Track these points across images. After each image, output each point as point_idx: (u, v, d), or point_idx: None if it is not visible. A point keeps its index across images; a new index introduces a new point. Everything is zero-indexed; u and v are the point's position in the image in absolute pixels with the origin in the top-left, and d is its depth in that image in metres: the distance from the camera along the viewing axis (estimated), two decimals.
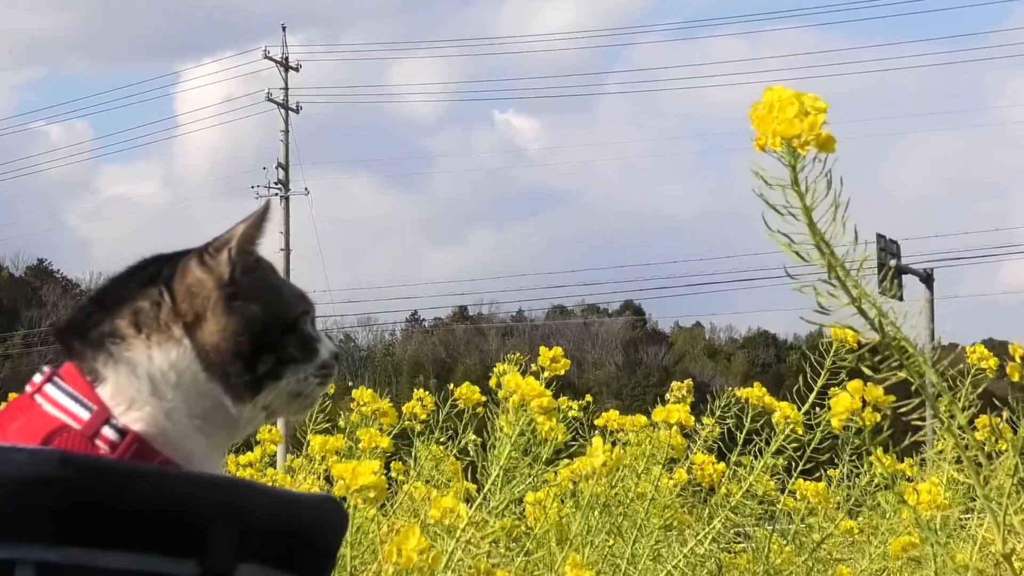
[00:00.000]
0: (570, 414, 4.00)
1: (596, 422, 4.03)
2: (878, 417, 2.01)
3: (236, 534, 1.19)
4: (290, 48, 35.09)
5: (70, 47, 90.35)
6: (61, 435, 1.25)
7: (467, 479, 4.17)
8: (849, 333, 3.52)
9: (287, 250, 31.34)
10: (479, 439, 4.25)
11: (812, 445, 3.58)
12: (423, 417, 4.22)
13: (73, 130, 72.40)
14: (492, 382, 4.03)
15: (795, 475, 3.70)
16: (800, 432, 3.54)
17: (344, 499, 2.32)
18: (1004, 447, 2.01)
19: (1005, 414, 2.26)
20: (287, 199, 32.74)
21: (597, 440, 3.22)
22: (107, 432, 1.26)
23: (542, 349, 3.49)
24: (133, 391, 1.28)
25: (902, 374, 1.59)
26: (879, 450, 3.68)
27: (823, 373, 3.54)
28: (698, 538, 3.45)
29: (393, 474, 4.27)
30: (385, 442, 3.45)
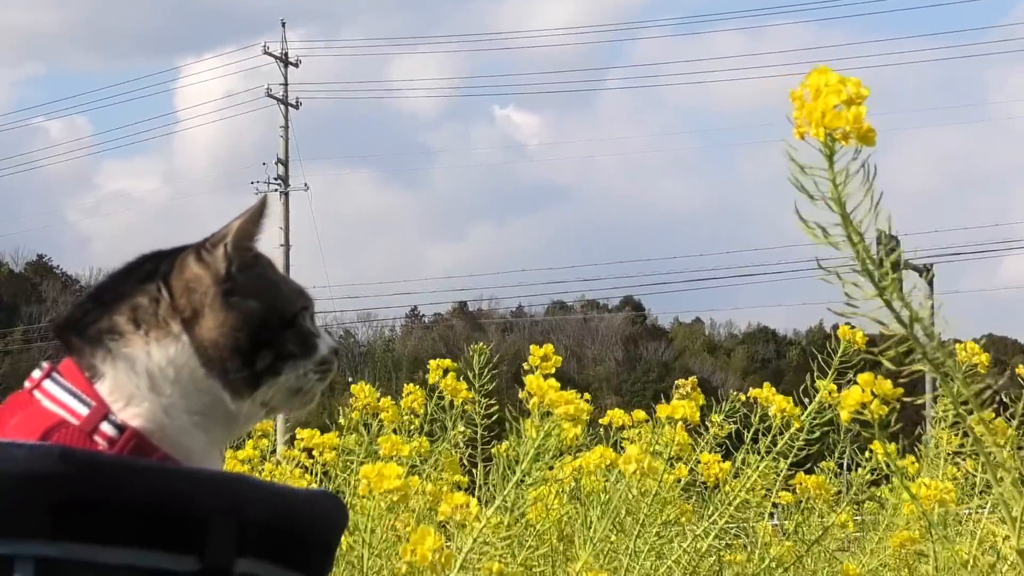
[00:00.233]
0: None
1: (600, 421, 4.03)
2: (886, 410, 2.02)
3: (235, 529, 1.19)
4: (290, 44, 35.11)
5: (70, 43, 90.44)
6: (60, 431, 1.25)
7: (463, 474, 4.18)
8: (858, 333, 3.52)
9: (287, 246, 31.34)
10: (467, 431, 4.27)
11: (811, 438, 3.58)
12: (420, 411, 4.22)
13: (73, 126, 72.49)
14: (431, 378, 4.10)
15: (784, 467, 3.70)
16: (798, 426, 3.53)
17: (339, 492, 2.33)
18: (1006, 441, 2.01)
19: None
20: (287, 195, 32.74)
21: (632, 449, 3.21)
22: (105, 428, 1.26)
23: (532, 348, 3.48)
24: (132, 387, 1.28)
25: (921, 367, 1.58)
26: (879, 444, 3.69)
27: (831, 372, 3.54)
28: (697, 534, 3.45)
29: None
30: (406, 450, 3.45)
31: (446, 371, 4.12)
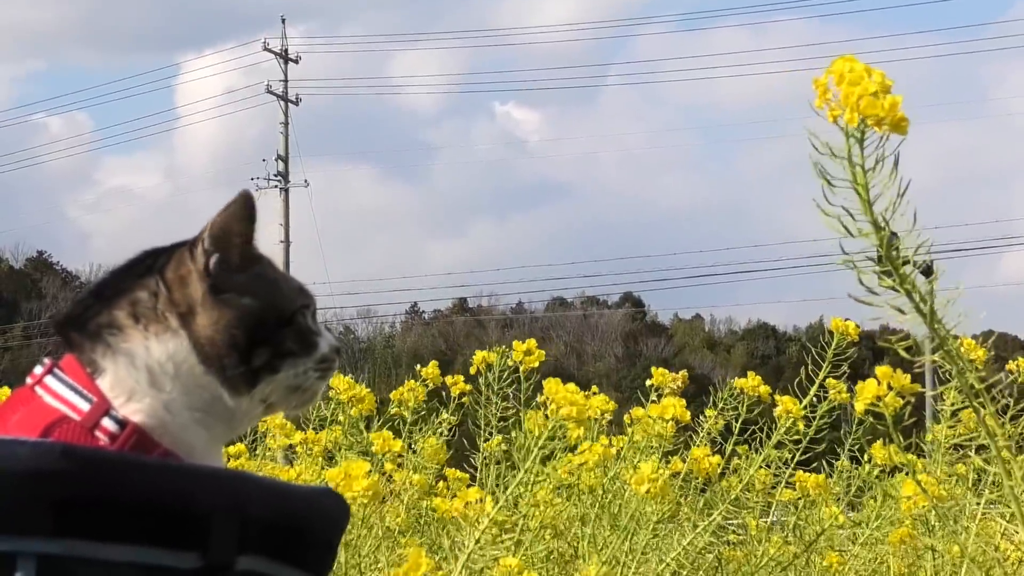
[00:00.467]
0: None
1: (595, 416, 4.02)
2: (900, 402, 2.03)
3: (237, 526, 1.19)
4: (290, 40, 35.12)
5: (71, 39, 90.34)
6: (61, 426, 1.25)
7: (458, 468, 4.17)
8: (851, 326, 3.53)
9: (287, 242, 31.35)
10: (455, 419, 4.26)
11: (809, 432, 3.58)
12: (413, 405, 4.21)
13: (74, 122, 72.45)
14: (472, 370, 4.05)
15: (792, 465, 3.70)
16: (801, 427, 3.54)
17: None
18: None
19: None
20: (287, 191, 32.75)
21: (645, 467, 3.20)
22: (107, 423, 1.26)
23: (515, 343, 3.48)
24: (132, 382, 1.29)
25: (935, 358, 1.59)
26: (878, 447, 3.69)
27: (824, 365, 3.54)
28: (697, 531, 3.45)
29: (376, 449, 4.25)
30: (397, 445, 3.44)
31: (489, 365, 3.97)
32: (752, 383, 3.63)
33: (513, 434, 2.87)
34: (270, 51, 34.44)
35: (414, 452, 4.11)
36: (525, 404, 3.84)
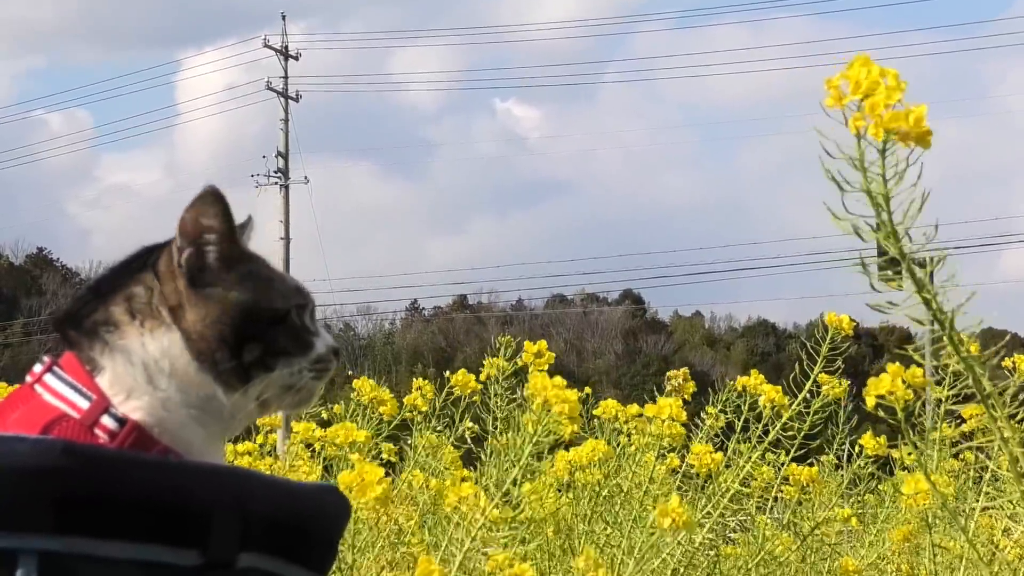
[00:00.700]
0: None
1: (594, 412, 4.03)
2: (911, 395, 2.03)
3: (238, 524, 1.19)
4: (290, 37, 35.08)
5: (71, 35, 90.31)
6: (60, 424, 1.25)
7: (466, 467, 4.17)
8: (845, 319, 3.52)
9: (287, 239, 31.32)
10: (476, 427, 4.25)
11: (803, 428, 3.58)
12: (423, 408, 4.21)
13: (74, 118, 72.32)
14: (483, 375, 4.02)
15: (787, 460, 3.70)
16: (790, 417, 3.53)
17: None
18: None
19: None
20: (287, 188, 32.73)
21: (674, 500, 3.19)
22: (106, 421, 1.26)
23: (527, 344, 3.47)
24: (131, 380, 1.29)
25: (947, 360, 1.59)
26: (869, 438, 3.69)
27: (819, 360, 3.54)
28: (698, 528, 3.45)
29: (385, 455, 4.24)
30: (362, 435, 3.42)
31: (539, 353, 3.94)
32: (755, 381, 3.62)
33: (507, 436, 2.86)
34: (270, 48, 34.42)
35: (432, 457, 4.11)
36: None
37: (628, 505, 3.40)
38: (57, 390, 1.28)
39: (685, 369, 3.98)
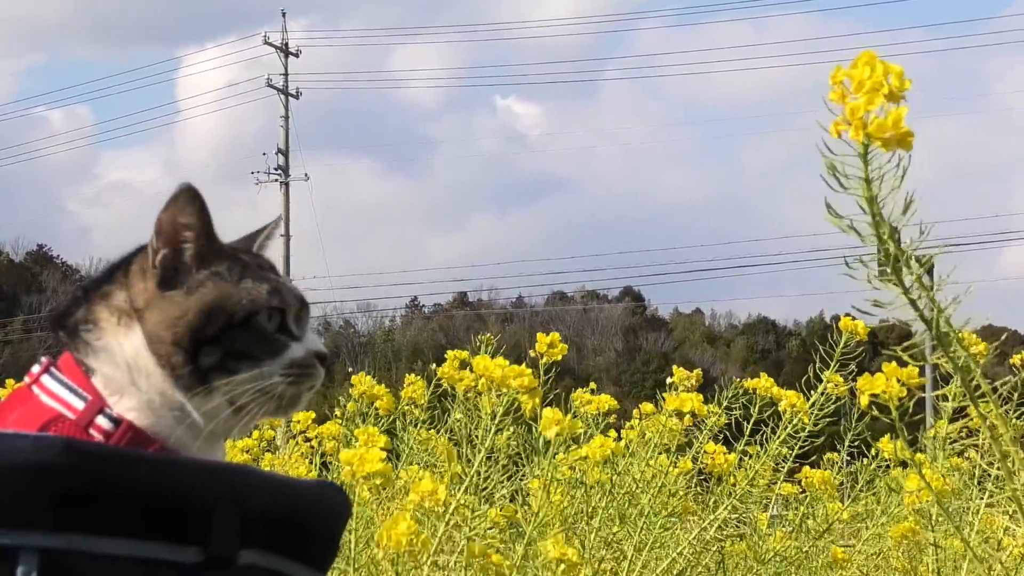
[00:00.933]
0: (582, 409, 3.97)
1: (588, 409, 4.02)
2: (904, 392, 2.03)
3: (238, 520, 1.19)
4: (290, 34, 35.13)
5: (71, 32, 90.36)
6: (56, 425, 1.26)
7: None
8: (860, 325, 3.53)
9: (287, 236, 31.32)
10: (465, 419, 4.25)
11: (814, 431, 3.59)
12: (421, 402, 4.21)
13: (74, 115, 72.38)
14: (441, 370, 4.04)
15: (792, 461, 3.71)
16: (807, 421, 3.54)
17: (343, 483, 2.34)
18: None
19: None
20: (287, 185, 32.76)
21: (661, 460, 3.20)
22: (101, 421, 1.27)
23: (539, 335, 3.46)
24: (120, 379, 1.29)
25: (938, 359, 1.58)
26: (887, 441, 3.70)
27: (832, 364, 3.55)
28: (703, 525, 3.46)
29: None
30: (383, 440, 3.43)
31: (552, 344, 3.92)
32: (765, 384, 3.64)
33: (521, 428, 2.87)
34: (271, 45, 34.43)
35: (427, 452, 4.11)
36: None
37: (636, 503, 3.40)
38: (53, 391, 1.29)
39: (698, 371, 3.99)
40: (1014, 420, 1.94)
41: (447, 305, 52.72)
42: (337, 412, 4.12)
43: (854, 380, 3.59)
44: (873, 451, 3.81)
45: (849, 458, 4.07)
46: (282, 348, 1.34)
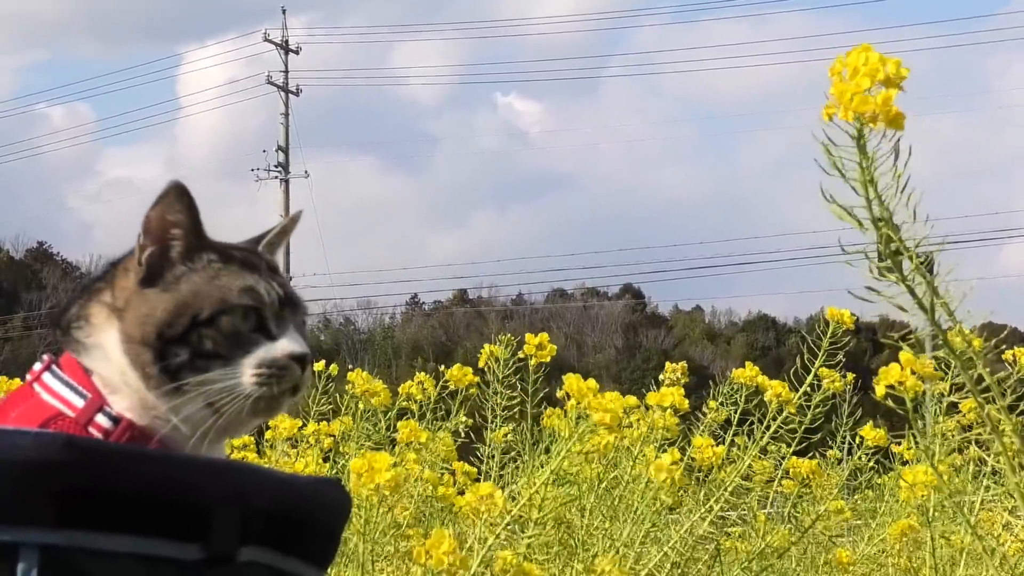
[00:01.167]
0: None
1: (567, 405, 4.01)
2: (920, 385, 2.04)
3: (238, 517, 1.19)
4: (290, 31, 35.13)
5: (72, 29, 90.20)
6: (56, 423, 1.27)
7: (461, 459, 4.17)
8: (846, 313, 3.53)
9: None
10: (470, 421, 4.24)
11: (805, 422, 3.59)
12: (420, 398, 4.21)
13: (75, 112, 72.25)
14: (481, 362, 4.01)
15: (788, 454, 3.71)
16: (792, 411, 3.54)
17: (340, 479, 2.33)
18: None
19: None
20: (287, 182, 32.75)
21: (666, 456, 3.19)
22: (100, 419, 1.28)
23: (528, 336, 3.46)
24: (114, 378, 1.30)
25: (941, 353, 1.59)
26: (869, 430, 3.70)
27: (820, 354, 3.54)
28: (693, 520, 3.45)
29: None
30: (423, 435, 3.42)
31: (497, 358, 3.91)
32: (750, 373, 3.62)
33: (521, 425, 2.85)
34: (271, 42, 34.43)
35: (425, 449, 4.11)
36: (532, 396, 3.84)
37: (627, 498, 3.39)
38: (54, 389, 1.29)
39: (683, 363, 3.99)
40: (1014, 417, 1.94)
41: (447, 302, 52.69)
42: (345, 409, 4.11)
43: (843, 372, 3.59)
44: (857, 441, 3.80)
45: (844, 452, 4.08)
46: (249, 348, 1.32)
